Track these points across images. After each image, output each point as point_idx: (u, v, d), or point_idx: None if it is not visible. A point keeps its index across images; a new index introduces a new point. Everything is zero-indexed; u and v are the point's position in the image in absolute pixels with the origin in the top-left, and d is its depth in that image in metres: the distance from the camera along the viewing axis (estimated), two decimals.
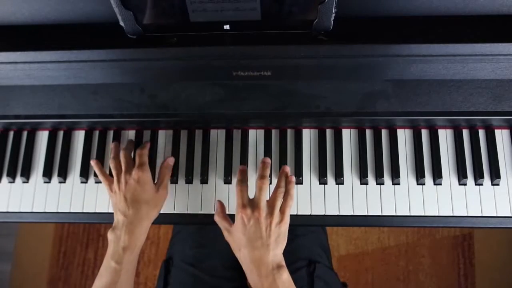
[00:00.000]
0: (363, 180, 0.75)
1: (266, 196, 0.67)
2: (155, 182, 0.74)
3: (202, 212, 0.76)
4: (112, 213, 0.77)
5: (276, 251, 0.64)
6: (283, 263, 0.64)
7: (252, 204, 0.66)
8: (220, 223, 0.70)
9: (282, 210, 0.66)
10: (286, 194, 0.68)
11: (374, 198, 0.74)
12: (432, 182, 0.75)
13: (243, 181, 0.69)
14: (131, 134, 0.80)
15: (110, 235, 0.68)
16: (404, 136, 0.77)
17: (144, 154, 0.74)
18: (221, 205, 0.73)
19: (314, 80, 0.69)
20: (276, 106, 0.70)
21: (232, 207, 0.76)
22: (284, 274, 0.63)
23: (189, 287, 0.83)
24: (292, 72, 0.68)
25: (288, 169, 0.71)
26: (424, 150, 0.76)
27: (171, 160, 0.76)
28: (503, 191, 0.74)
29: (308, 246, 0.87)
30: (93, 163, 0.76)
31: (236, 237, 0.66)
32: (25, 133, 0.82)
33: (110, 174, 0.75)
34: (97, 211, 0.77)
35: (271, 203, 0.66)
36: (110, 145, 0.78)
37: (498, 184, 0.74)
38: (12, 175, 0.80)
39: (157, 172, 0.77)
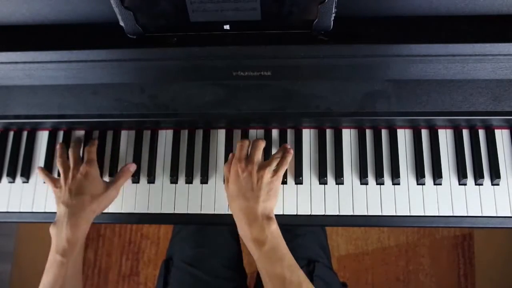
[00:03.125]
0: (363, 180, 0.75)
1: (260, 154, 0.71)
2: (109, 181, 0.75)
3: (202, 212, 0.76)
4: (111, 213, 0.77)
5: (266, 204, 0.67)
6: (273, 215, 0.67)
7: (247, 159, 0.70)
8: (225, 173, 0.74)
9: (276, 170, 0.70)
10: (282, 159, 0.72)
11: (374, 198, 0.74)
12: (432, 182, 0.75)
13: (245, 140, 0.73)
14: (131, 134, 0.80)
15: (52, 230, 0.68)
16: (404, 136, 0.77)
17: (92, 151, 0.75)
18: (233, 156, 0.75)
19: (314, 80, 0.69)
20: (276, 106, 0.70)
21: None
22: (273, 225, 0.65)
23: (189, 287, 0.83)
24: (292, 72, 0.68)
25: (288, 147, 0.75)
26: (424, 150, 0.76)
27: (132, 167, 0.77)
28: (503, 191, 0.74)
29: (307, 246, 0.87)
30: (38, 169, 0.76)
31: (230, 188, 0.69)
32: (25, 133, 0.82)
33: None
34: None
35: (266, 163, 0.70)
36: (57, 146, 0.78)
37: (498, 184, 0.74)
38: (12, 175, 0.80)
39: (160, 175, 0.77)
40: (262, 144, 0.72)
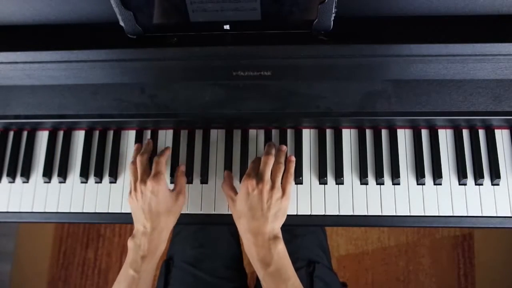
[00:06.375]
0: (363, 180, 0.75)
1: (270, 171, 0.69)
2: (172, 189, 0.72)
3: (202, 212, 0.76)
4: (111, 213, 0.77)
5: (274, 225, 0.66)
6: (280, 235, 0.66)
7: (258, 176, 0.67)
8: (226, 192, 0.73)
9: (283, 187, 0.69)
10: (286, 172, 0.70)
11: (374, 198, 0.74)
12: (432, 182, 0.75)
13: (257, 157, 0.72)
14: (131, 134, 0.80)
15: (129, 243, 0.67)
16: (404, 136, 0.77)
17: (161, 162, 0.71)
18: (229, 175, 0.75)
19: (314, 80, 0.69)
20: (276, 106, 0.70)
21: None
22: (279, 245, 0.65)
23: (190, 287, 0.83)
24: (292, 72, 0.68)
25: (285, 148, 0.74)
26: (424, 150, 0.76)
27: (183, 167, 0.76)
28: (503, 191, 0.74)
29: (307, 247, 0.87)
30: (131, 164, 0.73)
31: (238, 205, 0.68)
32: (25, 133, 0.82)
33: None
34: (97, 211, 0.77)
35: (272, 178, 0.68)
36: (134, 146, 0.77)
37: (498, 184, 0.74)
38: (12, 175, 0.80)
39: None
40: (272, 160, 0.70)
